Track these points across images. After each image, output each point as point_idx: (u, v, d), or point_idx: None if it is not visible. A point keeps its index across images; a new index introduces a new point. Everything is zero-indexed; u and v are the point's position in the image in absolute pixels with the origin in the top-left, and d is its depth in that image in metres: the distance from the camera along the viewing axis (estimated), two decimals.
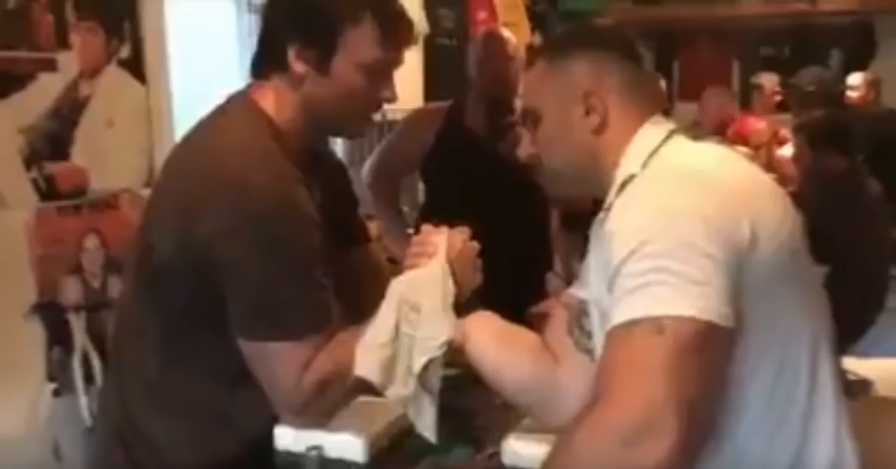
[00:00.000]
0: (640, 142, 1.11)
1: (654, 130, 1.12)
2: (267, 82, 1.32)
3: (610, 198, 1.10)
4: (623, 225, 1.01)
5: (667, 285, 0.93)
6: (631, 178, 1.07)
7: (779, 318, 1.01)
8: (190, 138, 1.34)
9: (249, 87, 1.35)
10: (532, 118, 1.18)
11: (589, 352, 1.18)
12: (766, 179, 1.10)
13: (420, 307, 1.22)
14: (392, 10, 1.31)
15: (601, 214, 1.12)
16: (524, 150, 1.20)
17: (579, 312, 1.21)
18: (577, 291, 1.23)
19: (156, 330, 1.32)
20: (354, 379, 1.22)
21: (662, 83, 5.04)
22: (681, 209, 0.98)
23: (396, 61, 1.32)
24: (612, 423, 0.91)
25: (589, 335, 1.18)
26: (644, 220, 0.99)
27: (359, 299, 1.32)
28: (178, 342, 1.31)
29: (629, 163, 1.09)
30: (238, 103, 1.34)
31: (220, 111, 1.34)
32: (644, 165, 1.07)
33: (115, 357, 1.46)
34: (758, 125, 4.62)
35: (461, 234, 1.30)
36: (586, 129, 1.13)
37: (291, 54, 1.27)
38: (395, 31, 1.30)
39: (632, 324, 0.94)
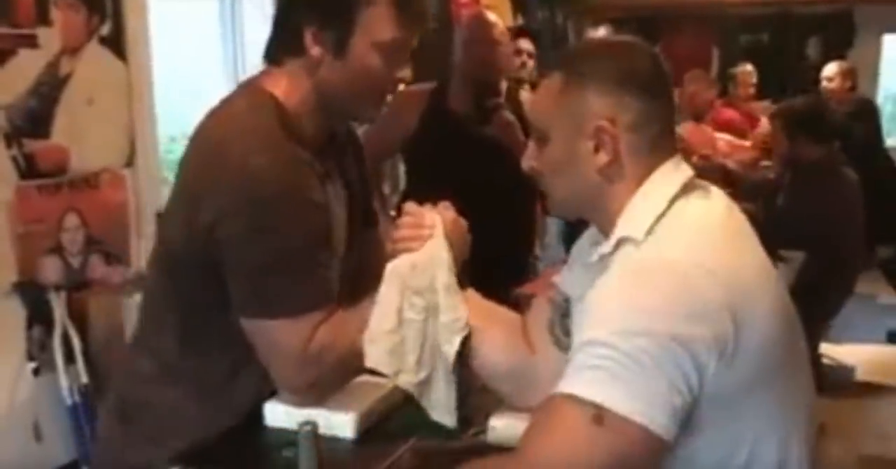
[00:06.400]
0: (647, 198, 1.07)
1: (662, 188, 1.07)
2: (280, 68, 1.32)
3: (607, 246, 1.07)
4: (601, 310, 1.00)
5: (622, 381, 0.94)
6: (632, 242, 1.04)
7: (746, 424, 1.02)
8: (197, 130, 1.34)
9: (261, 73, 1.35)
10: (539, 136, 1.13)
11: (567, 350, 1.14)
12: (763, 259, 1.07)
13: (423, 292, 1.21)
14: None
15: (599, 239, 1.11)
16: (526, 161, 1.16)
17: (562, 311, 1.21)
18: (562, 284, 1.22)
19: (175, 318, 1.35)
20: (354, 358, 1.23)
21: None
22: (660, 316, 0.96)
23: (411, 41, 1.32)
24: None
25: (568, 333, 1.17)
26: (622, 313, 0.98)
27: (376, 279, 1.30)
28: (196, 327, 1.33)
29: (633, 220, 1.05)
30: (244, 91, 1.35)
31: (226, 101, 1.34)
32: (649, 232, 1.03)
33: (136, 339, 1.46)
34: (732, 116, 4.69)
35: (449, 210, 1.29)
36: (592, 166, 1.08)
37: (308, 37, 1.27)
38: (410, 10, 1.30)
39: (579, 402, 0.95)
